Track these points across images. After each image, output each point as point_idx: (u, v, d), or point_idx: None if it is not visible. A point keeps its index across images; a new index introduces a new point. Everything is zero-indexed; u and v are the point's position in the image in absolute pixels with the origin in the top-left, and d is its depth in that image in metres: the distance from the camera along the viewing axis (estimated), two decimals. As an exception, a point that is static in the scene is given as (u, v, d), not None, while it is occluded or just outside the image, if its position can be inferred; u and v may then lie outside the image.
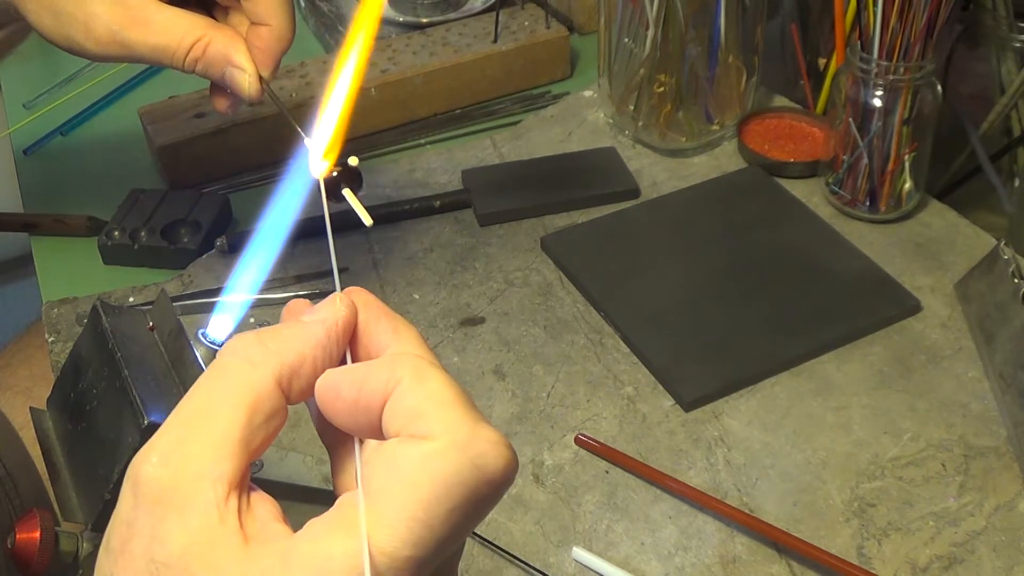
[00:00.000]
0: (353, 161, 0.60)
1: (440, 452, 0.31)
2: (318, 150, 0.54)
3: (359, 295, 0.37)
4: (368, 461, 0.33)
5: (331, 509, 0.32)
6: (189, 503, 0.31)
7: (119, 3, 0.59)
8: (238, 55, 0.60)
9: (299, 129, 0.56)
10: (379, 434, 0.33)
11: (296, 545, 0.31)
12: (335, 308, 0.36)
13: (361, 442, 0.35)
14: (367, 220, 0.62)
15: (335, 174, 0.62)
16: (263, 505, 0.33)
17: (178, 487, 0.31)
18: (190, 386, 0.46)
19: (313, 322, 0.35)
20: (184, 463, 0.31)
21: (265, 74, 0.61)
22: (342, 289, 0.37)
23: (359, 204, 0.61)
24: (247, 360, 0.34)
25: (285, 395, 0.34)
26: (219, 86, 0.62)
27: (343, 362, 0.36)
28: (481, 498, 0.31)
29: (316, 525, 0.31)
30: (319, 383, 0.34)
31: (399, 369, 0.33)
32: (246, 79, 0.60)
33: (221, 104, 0.64)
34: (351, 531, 0.30)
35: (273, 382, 0.33)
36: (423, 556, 0.30)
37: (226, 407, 0.33)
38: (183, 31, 0.59)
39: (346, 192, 0.62)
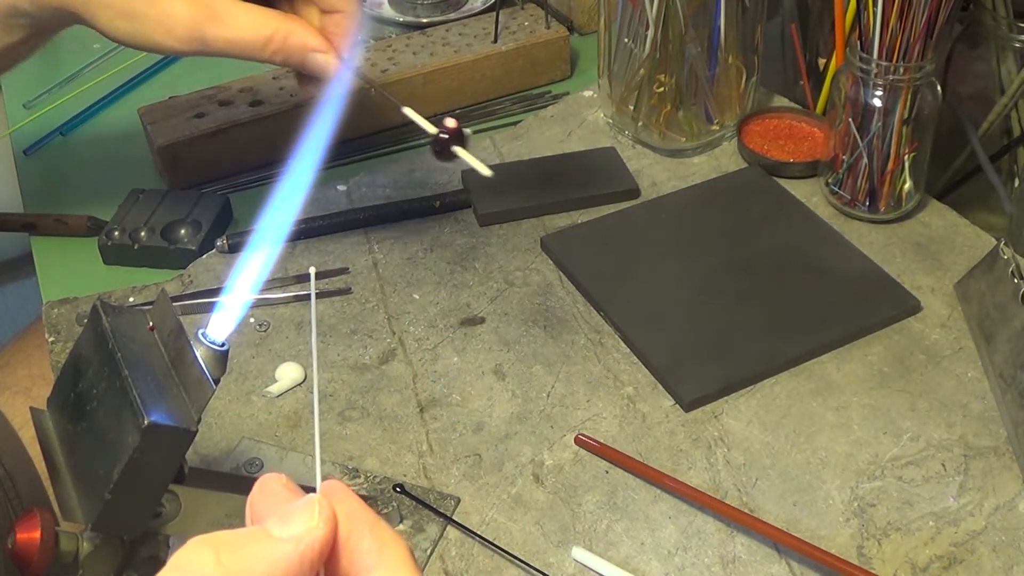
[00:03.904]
0: (450, 122, 0.65)
1: None
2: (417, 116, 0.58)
3: (341, 501, 0.32)
4: None
5: None
6: None
7: (197, 2, 0.63)
8: (315, 41, 0.65)
9: (394, 101, 0.65)
10: None
11: None
12: (312, 523, 0.30)
13: None
14: (485, 172, 0.66)
15: (443, 135, 0.67)
16: None
17: None
18: (190, 386, 0.46)
19: (284, 540, 0.30)
20: None
21: (344, 55, 0.66)
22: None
23: (473, 158, 0.65)
24: None
25: None
26: (303, 74, 0.67)
27: None
28: None
29: None
30: None
31: None
32: (328, 60, 0.65)
33: (309, 90, 0.68)
34: None
35: None
36: None
37: None
38: (259, 25, 0.64)
39: (457, 150, 0.66)
